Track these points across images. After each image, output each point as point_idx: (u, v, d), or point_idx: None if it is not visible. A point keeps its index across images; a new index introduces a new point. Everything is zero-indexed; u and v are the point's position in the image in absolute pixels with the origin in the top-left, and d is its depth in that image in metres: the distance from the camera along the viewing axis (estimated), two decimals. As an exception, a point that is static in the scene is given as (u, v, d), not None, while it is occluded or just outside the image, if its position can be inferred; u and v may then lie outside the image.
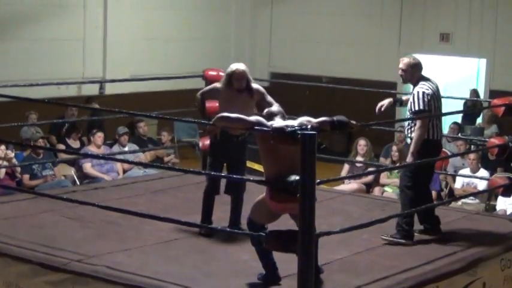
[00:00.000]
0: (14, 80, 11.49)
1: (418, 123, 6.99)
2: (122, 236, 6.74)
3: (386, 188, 11.12)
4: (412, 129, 7.08)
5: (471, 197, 10.60)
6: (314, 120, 5.56)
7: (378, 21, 16.46)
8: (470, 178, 10.77)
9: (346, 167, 11.68)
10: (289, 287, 5.45)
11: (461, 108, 14.48)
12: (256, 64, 16.75)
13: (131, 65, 15.05)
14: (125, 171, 11.62)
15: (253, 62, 16.64)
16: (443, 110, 7.60)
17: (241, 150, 7.01)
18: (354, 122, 5.73)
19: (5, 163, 10.30)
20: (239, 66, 6.89)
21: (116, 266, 5.85)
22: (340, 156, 12.25)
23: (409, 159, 7.01)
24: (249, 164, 8.24)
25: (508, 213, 9.93)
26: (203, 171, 8.18)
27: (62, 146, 12.12)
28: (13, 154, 10.62)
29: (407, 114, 7.22)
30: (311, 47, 17.05)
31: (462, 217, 7.92)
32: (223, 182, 7.14)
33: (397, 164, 10.32)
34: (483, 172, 10.76)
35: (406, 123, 7.30)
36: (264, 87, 7.16)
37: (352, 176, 11.03)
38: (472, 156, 10.85)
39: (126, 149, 11.75)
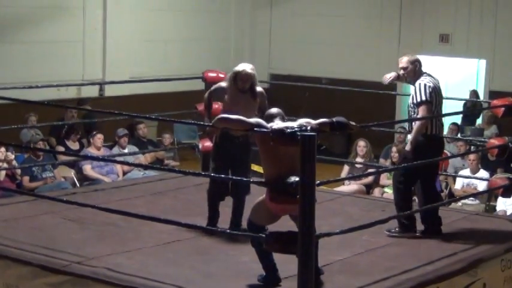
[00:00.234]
0: (13, 82, 11.47)
1: (420, 112, 7.01)
2: (121, 237, 6.74)
3: (386, 189, 11.12)
4: (415, 122, 7.08)
5: (471, 198, 10.60)
6: (313, 122, 5.55)
7: (378, 23, 16.46)
8: (470, 179, 10.77)
9: (346, 168, 11.69)
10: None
11: (461, 109, 14.50)
12: (255, 65, 16.32)
13: (131, 67, 15.05)
14: (124, 173, 11.63)
15: (253, 64, 16.24)
16: (443, 111, 7.61)
17: (245, 152, 6.98)
18: (353, 123, 5.72)
19: (5, 165, 10.30)
20: (246, 67, 6.90)
21: (115, 268, 5.85)
22: (340, 157, 12.25)
23: (407, 147, 7.07)
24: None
25: (508, 213, 9.93)
26: (203, 173, 8.19)
27: (61, 148, 12.12)
28: (13, 156, 10.62)
29: (408, 109, 7.23)
30: (310, 49, 17.05)
31: (462, 218, 7.92)
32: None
33: (397, 165, 10.31)
34: (483, 173, 10.76)
35: (408, 117, 7.31)
36: (264, 89, 7.17)
37: (352, 177, 11.03)
38: (472, 157, 10.85)
39: (126, 150, 11.75)
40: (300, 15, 17.25)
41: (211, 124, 6.08)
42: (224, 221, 7.02)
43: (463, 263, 6.31)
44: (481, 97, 15.10)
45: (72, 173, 11.42)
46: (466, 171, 10.99)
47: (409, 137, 7.22)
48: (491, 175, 10.29)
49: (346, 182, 11.43)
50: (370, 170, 11.03)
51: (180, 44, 16.31)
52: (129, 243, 6.57)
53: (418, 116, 7.02)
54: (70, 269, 5.88)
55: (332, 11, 16.86)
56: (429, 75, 7.27)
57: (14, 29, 13.84)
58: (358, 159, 11.44)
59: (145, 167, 11.91)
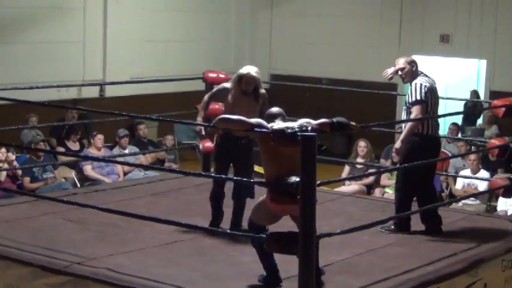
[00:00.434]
0: (14, 82, 11.48)
1: (414, 112, 7.07)
2: (122, 238, 6.74)
3: (386, 189, 11.11)
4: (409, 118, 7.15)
5: (472, 198, 10.59)
6: (314, 122, 5.55)
7: (378, 23, 16.45)
8: (471, 179, 10.77)
9: (346, 168, 11.68)
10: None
11: (461, 109, 14.50)
12: (256, 66, 16.57)
13: (131, 67, 15.05)
14: (125, 174, 11.62)
15: (253, 64, 16.27)
16: (444, 111, 7.66)
17: (247, 153, 6.97)
18: (353, 124, 5.73)
19: (6, 166, 10.30)
20: (251, 70, 6.91)
21: (116, 268, 5.85)
22: (340, 157, 12.25)
23: (398, 145, 7.12)
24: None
25: (509, 214, 9.93)
26: (203, 173, 8.19)
27: (61, 149, 12.12)
28: (14, 157, 10.62)
29: (404, 109, 7.27)
30: (311, 49, 17.05)
31: (463, 218, 7.92)
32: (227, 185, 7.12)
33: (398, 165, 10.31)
34: (484, 173, 10.75)
35: (403, 116, 7.34)
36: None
37: (352, 177, 11.02)
38: (472, 157, 10.85)
39: (127, 151, 11.75)
40: (301, 15, 17.25)
41: (211, 124, 6.07)
42: (225, 222, 7.03)
43: (464, 263, 6.31)
44: (482, 97, 15.10)
45: (72, 174, 11.42)
46: (467, 172, 10.99)
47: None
48: (492, 175, 10.29)
49: (347, 182, 11.43)
50: (370, 170, 11.03)
51: (181, 45, 16.31)
52: (130, 243, 6.57)
53: (412, 115, 7.07)
54: (70, 269, 5.88)
55: (332, 12, 16.86)
56: (425, 75, 7.33)
57: (14, 29, 13.84)
58: (359, 160, 11.44)
59: (145, 168, 11.91)
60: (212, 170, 8.14)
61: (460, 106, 14.51)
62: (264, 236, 5.37)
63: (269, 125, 5.56)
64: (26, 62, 13.80)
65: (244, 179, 6.43)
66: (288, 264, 5.53)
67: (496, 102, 8.33)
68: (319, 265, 5.58)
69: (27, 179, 10.58)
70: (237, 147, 6.87)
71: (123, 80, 13.37)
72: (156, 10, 15.87)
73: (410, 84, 7.23)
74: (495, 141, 8.35)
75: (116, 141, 12.14)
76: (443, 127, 14.57)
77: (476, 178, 10.61)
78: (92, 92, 14.85)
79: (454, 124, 13.85)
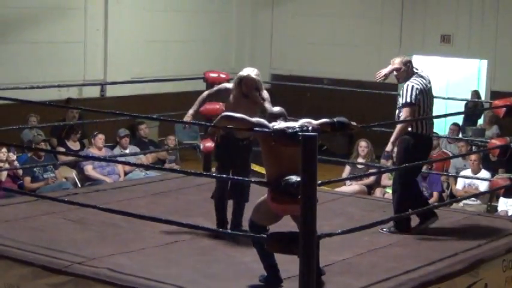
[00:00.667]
0: (15, 82, 11.49)
1: (403, 114, 7.14)
2: (123, 238, 6.74)
3: (387, 190, 11.10)
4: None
5: (472, 198, 10.58)
6: (315, 122, 5.56)
7: (379, 23, 16.45)
8: (472, 179, 10.76)
9: (347, 168, 11.68)
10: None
11: (462, 109, 14.50)
12: (257, 66, 16.36)
13: (132, 67, 15.05)
14: (126, 174, 11.62)
15: (254, 64, 16.43)
16: (444, 111, 7.68)
17: (246, 155, 6.97)
18: (354, 124, 5.73)
19: (7, 165, 10.30)
20: (252, 73, 6.89)
21: (117, 268, 5.85)
22: (341, 158, 12.24)
23: (388, 147, 7.19)
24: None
25: (510, 214, 9.92)
26: (204, 173, 8.19)
27: (62, 149, 12.12)
28: (15, 156, 10.62)
29: (397, 108, 7.31)
30: (312, 49, 17.05)
31: (463, 218, 7.91)
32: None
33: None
34: (484, 173, 10.75)
35: (396, 116, 7.37)
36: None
37: (353, 177, 11.02)
38: (473, 157, 10.84)
39: (127, 151, 11.75)
40: (301, 15, 17.25)
41: (213, 124, 6.07)
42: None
43: (465, 264, 6.30)
44: (483, 97, 15.10)
45: (73, 174, 11.42)
46: (468, 172, 10.98)
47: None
48: (493, 175, 10.29)
49: (348, 182, 11.43)
50: (371, 171, 11.03)
51: (182, 45, 16.31)
52: (131, 243, 6.58)
53: (401, 117, 7.15)
54: (71, 269, 5.88)
55: (333, 12, 16.86)
56: (420, 75, 7.34)
57: (15, 29, 13.85)
58: (360, 160, 11.44)
59: (146, 167, 11.91)
60: (213, 169, 8.13)
61: (460, 106, 14.51)
62: (265, 236, 5.37)
63: (270, 125, 5.57)
64: (27, 62, 13.81)
65: (246, 179, 6.42)
66: (288, 264, 5.53)
67: (496, 102, 8.33)
68: (319, 265, 5.58)
69: (28, 179, 10.58)
70: (236, 148, 6.87)
71: (124, 80, 13.39)
72: (157, 10, 15.88)
73: (403, 85, 7.27)
74: (496, 142, 8.36)
75: (116, 141, 12.14)
76: (444, 127, 14.58)
77: (477, 178, 10.61)
78: (93, 92, 14.85)
79: (455, 124, 13.85)
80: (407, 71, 7.30)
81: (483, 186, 10.67)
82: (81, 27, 14.73)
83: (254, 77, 6.86)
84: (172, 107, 11.78)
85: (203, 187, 8.26)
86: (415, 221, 7.29)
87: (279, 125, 5.53)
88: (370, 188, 11.39)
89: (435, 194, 10.76)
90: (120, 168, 11.55)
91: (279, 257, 5.59)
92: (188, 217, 6.96)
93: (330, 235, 5.44)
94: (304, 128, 5.32)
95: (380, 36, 16.37)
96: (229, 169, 6.96)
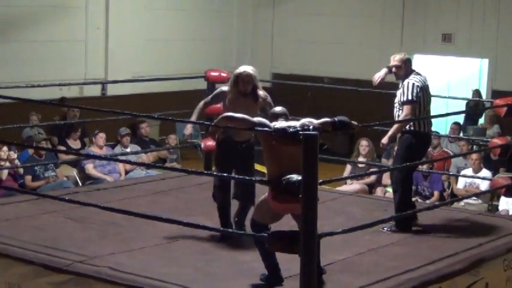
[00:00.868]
0: (16, 81, 11.50)
1: (404, 111, 7.19)
2: (124, 237, 6.74)
3: (388, 188, 11.10)
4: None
5: (473, 197, 10.59)
6: (316, 121, 5.56)
7: (380, 22, 16.45)
8: (473, 178, 10.76)
9: (348, 167, 11.68)
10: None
11: (463, 108, 14.49)
12: (258, 65, 16.47)
13: (133, 66, 15.06)
14: (127, 172, 11.63)
15: (255, 63, 16.47)
16: (445, 110, 7.71)
17: (248, 157, 6.82)
18: (355, 123, 5.73)
19: (8, 164, 10.31)
20: (247, 68, 6.76)
21: (118, 267, 5.85)
22: (342, 157, 12.24)
23: (384, 140, 7.26)
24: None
25: (511, 213, 9.92)
26: (205, 172, 8.19)
27: (62, 148, 12.13)
28: (16, 155, 10.62)
29: (395, 106, 7.31)
30: (313, 48, 17.05)
31: (464, 217, 7.91)
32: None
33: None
34: (485, 172, 10.75)
35: (395, 114, 7.38)
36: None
37: (354, 176, 11.02)
38: (474, 156, 10.84)
39: (128, 150, 11.76)
40: (302, 14, 17.25)
41: (214, 124, 6.07)
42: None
43: (465, 263, 6.30)
44: (484, 96, 15.10)
45: (74, 172, 11.43)
46: (469, 171, 10.98)
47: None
48: (494, 175, 10.29)
49: (349, 181, 11.43)
50: (372, 170, 11.03)
51: (183, 44, 16.32)
52: (132, 242, 6.58)
53: (402, 114, 7.20)
54: (72, 268, 5.89)
55: (334, 11, 16.87)
56: (418, 73, 7.41)
57: (16, 28, 13.85)
58: (361, 159, 11.44)
59: (147, 166, 11.91)
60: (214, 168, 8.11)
61: (462, 105, 14.49)
62: (266, 235, 5.37)
63: (271, 124, 5.57)
64: (28, 61, 13.82)
65: (246, 178, 6.38)
66: (289, 263, 5.53)
67: (498, 101, 8.33)
68: (320, 264, 5.58)
69: (28, 178, 10.59)
70: (237, 152, 6.74)
71: (125, 78, 13.40)
72: (158, 9, 15.89)
73: (402, 83, 7.29)
74: (497, 141, 8.35)
75: (117, 140, 12.14)
76: (445, 126, 14.58)
77: (478, 177, 10.61)
78: (94, 91, 14.87)
79: (456, 123, 13.85)
80: (406, 69, 7.36)
81: (484, 185, 10.67)
82: (82, 26, 14.74)
83: (251, 72, 6.73)
84: (173, 106, 11.81)
85: (204, 186, 8.26)
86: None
87: (280, 124, 5.53)
88: (371, 187, 11.39)
89: (436, 193, 10.76)
90: (121, 167, 11.55)
91: (279, 256, 5.58)
92: (189, 216, 6.96)
93: (330, 234, 5.44)
94: (305, 127, 5.32)
95: (381, 35, 16.37)
96: (230, 172, 6.80)
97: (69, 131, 12.53)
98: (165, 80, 13.55)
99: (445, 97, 10.67)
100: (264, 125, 5.57)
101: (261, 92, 6.78)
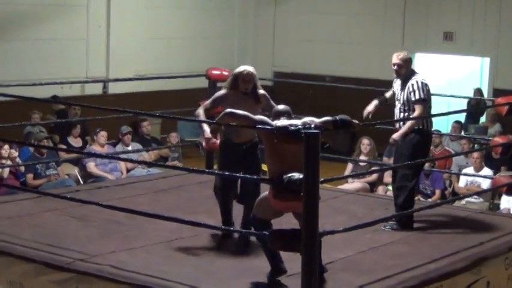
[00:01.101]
0: (17, 79, 11.50)
1: (417, 110, 7.20)
2: (125, 235, 6.74)
3: (390, 187, 11.10)
4: (408, 116, 7.26)
5: (475, 196, 10.59)
6: (317, 120, 5.56)
7: (382, 21, 16.45)
8: (474, 177, 10.76)
9: (349, 166, 11.68)
10: (293, 286, 5.45)
11: (465, 107, 14.49)
12: (259, 63, 16.69)
13: (134, 65, 15.07)
14: (128, 171, 11.63)
15: (257, 61, 16.62)
16: (447, 109, 7.73)
17: (252, 160, 6.60)
18: (356, 122, 5.73)
19: (9, 162, 10.31)
20: (247, 67, 6.59)
21: (119, 265, 5.85)
22: (343, 155, 12.24)
23: (397, 136, 7.25)
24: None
25: (512, 212, 9.92)
26: (207, 170, 8.19)
27: (64, 146, 12.14)
28: (17, 153, 10.63)
29: (399, 104, 7.30)
30: (314, 46, 17.05)
31: (466, 216, 7.91)
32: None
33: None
34: (487, 171, 10.74)
35: (395, 114, 7.37)
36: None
37: (355, 175, 11.01)
38: (475, 155, 10.83)
39: (130, 148, 11.76)
40: (304, 13, 17.25)
41: (215, 121, 6.06)
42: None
43: (467, 261, 6.30)
44: (485, 95, 15.09)
45: (75, 171, 11.43)
46: (470, 169, 10.98)
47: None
48: (495, 173, 10.29)
49: (350, 180, 11.43)
50: (373, 168, 11.03)
51: (184, 42, 16.32)
52: (133, 240, 6.58)
53: (415, 113, 7.20)
54: (74, 266, 5.89)
55: (336, 9, 16.87)
56: (418, 73, 7.45)
57: (17, 26, 13.86)
58: (362, 157, 11.44)
59: (149, 165, 11.92)
60: (215, 167, 8.11)
61: (463, 104, 14.49)
62: (267, 233, 5.37)
63: (273, 122, 5.57)
64: (29, 59, 13.82)
65: (248, 176, 6.30)
66: (291, 262, 5.53)
67: (499, 100, 8.33)
68: (321, 262, 5.58)
69: (30, 176, 10.60)
70: (239, 154, 6.54)
71: (126, 77, 13.39)
72: (159, 7, 15.90)
73: (407, 81, 7.30)
74: (498, 139, 8.37)
75: (119, 138, 12.15)
76: (446, 125, 14.57)
77: (480, 176, 10.61)
78: (95, 89, 14.87)
79: (457, 122, 13.84)
80: (407, 68, 7.35)
81: (485, 184, 10.66)
82: (83, 25, 14.74)
83: (251, 70, 6.56)
84: (175, 104, 11.80)
85: (205, 184, 8.26)
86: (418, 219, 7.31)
87: (282, 122, 5.53)
88: (373, 186, 11.40)
89: (437, 191, 10.77)
90: (122, 165, 11.56)
91: (281, 254, 5.58)
92: (190, 214, 6.96)
93: (332, 232, 5.44)
94: (307, 126, 5.33)
95: (382, 34, 16.36)
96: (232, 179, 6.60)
97: (69, 128, 12.54)
98: (167, 78, 13.52)
99: (446, 96, 10.64)
100: (266, 123, 5.57)
101: (261, 91, 6.63)
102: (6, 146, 10.33)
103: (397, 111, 7.40)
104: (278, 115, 5.71)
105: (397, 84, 7.46)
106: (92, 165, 11.20)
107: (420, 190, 10.71)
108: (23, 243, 6.34)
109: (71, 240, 6.51)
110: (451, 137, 13.11)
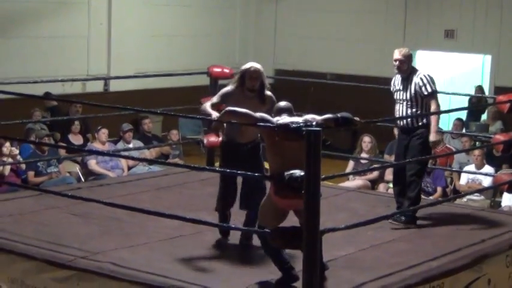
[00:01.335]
0: (18, 77, 11.50)
1: (433, 104, 7.23)
2: (126, 232, 6.75)
3: (391, 185, 11.09)
4: (416, 111, 7.29)
5: (476, 194, 10.58)
6: (319, 117, 5.55)
7: (383, 18, 16.44)
8: (475, 174, 10.76)
9: (351, 163, 11.68)
10: (294, 284, 5.45)
11: (466, 104, 14.49)
12: (260, 61, 16.33)
13: (135, 62, 15.06)
14: (129, 168, 11.63)
15: (258, 59, 16.36)
16: (448, 107, 7.76)
17: (255, 158, 6.47)
18: (358, 119, 5.72)
19: (10, 160, 10.31)
20: (254, 64, 6.40)
21: (121, 263, 5.85)
22: (344, 153, 12.24)
23: (435, 137, 7.27)
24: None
25: (513, 209, 9.92)
26: (208, 168, 8.19)
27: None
28: (18, 151, 10.63)
29: (403, 103, 7.29)
30: (315, 44, 17.05)
31: (467, 213, 7.91)
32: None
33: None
34: (488, 168, 10.74)
35: (400, 111, 7.36)
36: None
37: (356, 172, 11.01)
38: (477, 152, 10.83)
39: (131, 145, 11.76)
40: (305, 10, 17.24)
41: (217, 119, 6.04)
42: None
43: (468, 259, 6.30)
44: (486, 93, 15.09)
45: (77, 168, 11.43)
46: (471, 167, 10.98)
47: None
48: (496, 171, 10.29)
49: (351, 177, 11.43)
50: (375, 166, 11.02)
51: (186, 39, 16.32)
52: (134, 238, 6.58)
53: (433, 107, 7.22)
54: (75, 263, 5.89)
55: (337, 7, 16.86)
56: (419, 69, 7.48)
57: (19, 23, 13.85)
58: (363, 155, 11.44)
59: (150, 162, 11.92)
60: (217, 164, 8.11)
61: (464, 101, 14.50)
62: (268, 231, 5.36)
63: (274, 119, 5.57)
64: (30, 57, 13.82)
65: (249, 173, 6.17)
66: (292, 260, 5.53)
67: (500, 97, 8.34)
68: (323, 260, 5.57)
69: (31, 173, 10.60)
70: (242, 155, 6.40)
71: (128, 74, 13.39)
72: (161, 5, 15.89)
73: (410, 78, 7.31)
74: (500, 137, 8.36)
75: (120, 136, 12.15)
76: (448, 122, 14.58)
77: (481, 174, 10.60)
78: (96, 87, 14.87)
79: (459, 119, 13.84)
80: (408, 64, 7.36)
81: (487, 181, 10.66)
82: (84, 22, 14.74)
83: (258, 67, 6.38)
84: (176, 102, 11.80)
85: (207, 182, 8.27)
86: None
87: (283, 119, 5.53)
88: (374, 183, 11.39)
89: (439, 189, 10.76)
90: (123, 162, 11.56)
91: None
92: (192, 212, 6.97)
93: (333, 230, 5.44)
94: (308, 123, 5.32)
95: (384, 31, 16.35)
96: (235, 178, 6.51)
97: (69, 126, 12.55)
98: (168, 76, 13.55)
99: (447, 93, 10.63)
100: (267, 121, 5.56)
101: (268, 93, 6.42)
102: (8, 144, 10.33)
103: (400, 108, 7.37)
104: (280, 112, 5.70)
105: (397, 82, 7.43)
106: (93, 163, 11.20)
107: (421, 187, 10.70)
108: (24, 241, 6.34)
109: (72, 237, 6.52)
110: (452, 135, 13.11)
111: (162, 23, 15.88)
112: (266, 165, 6.82)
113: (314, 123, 5.38)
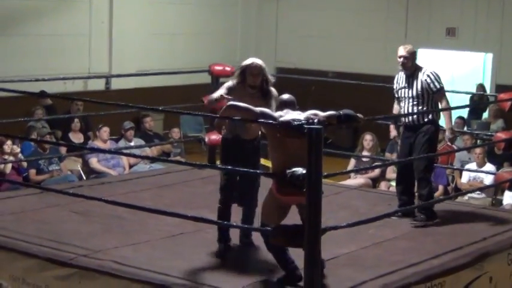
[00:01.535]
0: (20, 75, 11.50)
1: (443, 100, 7.31)
2: (128, 230, 6.75)
3: (392, 183, 11.09)
4: (422, 109, 7.31)
5: (477, 192, 10.58)
6: (321, 114, 5.54)
7: (384, 16, 16.43)
8: (477, 172, 10.75)
9: (352, 161, 11.67)
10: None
11: (467, 102, 14.48)
12: (262, 59, 16.41)
13: (137, 60, 15.06)
14: (131, 166, 11.63)
15: (259, 57, 16.28)
16: (449, 105, 7.69)
17: (256, 156, 6.41)
18: (360, 116, 5.71)
19: (11, 158, 10.31)
20: (255, 60, 6.25)
21: (122, 261, 5.86)
22: (346, 151, 12.23)
23: (450, 134, 7.46)
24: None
25: (515, 207, 9.91)
26: (209, 165, 8.19)
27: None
28: (19, 149, 10.63)
29: (410, 101, 7.29)
30: (317, 42, 17.04)
31: (468, 211, 7.91)
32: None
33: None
34: (489, 166, 10.73)
35: (405, 108, 7.36)
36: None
37: (358, 170, 11.01)
38: (478, 150, 10.83)
39: (132, 143, 11.76)
40: (307, 8, 17.23)
41: (219, 116, 6.02)
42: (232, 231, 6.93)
43: (469, 257, 6.30)
44: (488, 91, 15.08)
45: (78, 166, 11.43)
46: (473, 165, 10.97)
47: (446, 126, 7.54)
48: (498, 169, 10.28)
49: (353, 175, 11.42)
50: (376, 164, 11.01)
51: (187, 38, 16.31)
52: (136, 236, 6.59)
53: (444, 103, 7.30)
54: (77, 261, 5.90)
55: (338, 5, 16.85)
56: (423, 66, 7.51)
57: (20, 21, 13.85)
58: (365, 153, 11.43)
59: (151, 160, 11.92)
60: (218, 162, 8.09)
61: (466, 100, 14.48)
62: (270, 229, 5.36)
63: (276, 114, 5.55)
64: (32, 55, 13.81)
65: (250, 171, 6.13)
66: (293, 258, 5.53)
67: (502, 95, 8.35)
68: (321, 258, 5.55)
69: (33, 171, 10.60)
70: (244, 152, 6.29)
71: (129, 72, 13.39)
72: (162, 3, 15.88)
73: (415, 75, 7.32)
74: (501, 135, 8.37)
75: (121, 134, 12.15)
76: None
77: (482, 172, 10.60)
78: (98, 85, 14.86)
79: (460, 118, 13.84)
80: (413, 61, 7.37)
81: (488, 179, 10.65)
82: (86, 20, 14.73)
83: (259, 63, 6.22)
84: (178, 100, 11.80)
85: (208, 179, 8.27)
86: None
87: (285, 116, 5.51)
88: (375, 181, 11.39)
89: (440, 187, 10.75)
90: (125, 160, 11.56)
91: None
92: (193, 209, 6.96)
93: (335, 228, 5.44)
94: (310, 121, 5.31)
95: (385, 29, 16.34)
96: (236, 176, 6.40)
97: (69, 124, 12.55)
98: (169, 74, 13.55)
99: (448, 91, 10.61)
100: (268, 116, 5.53)
101: (273, 90, 6.28)
102: (9, 142, 10.32)
103: (406, 106, 7.36)
104: (282, 105, 5.68)
105: (401, 80, 7.42)
106: (94, 161, 11.20)
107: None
108: (26, 239, 6.35)
109: (73, 235, 6.52)
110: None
111: (163, 21, 15.88)
112: (263, 161, 6.79)
113: (316, 120, 5.37)
